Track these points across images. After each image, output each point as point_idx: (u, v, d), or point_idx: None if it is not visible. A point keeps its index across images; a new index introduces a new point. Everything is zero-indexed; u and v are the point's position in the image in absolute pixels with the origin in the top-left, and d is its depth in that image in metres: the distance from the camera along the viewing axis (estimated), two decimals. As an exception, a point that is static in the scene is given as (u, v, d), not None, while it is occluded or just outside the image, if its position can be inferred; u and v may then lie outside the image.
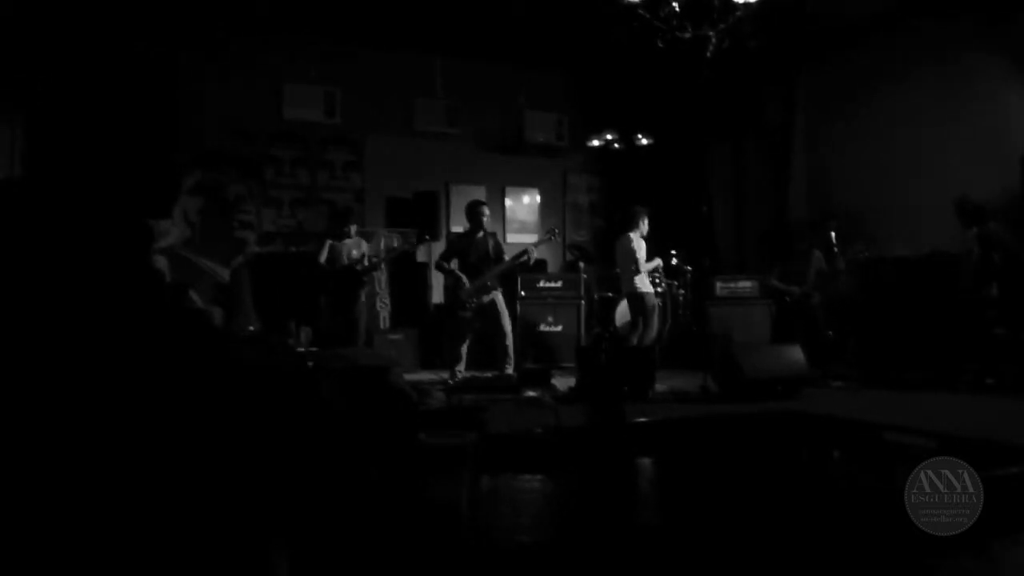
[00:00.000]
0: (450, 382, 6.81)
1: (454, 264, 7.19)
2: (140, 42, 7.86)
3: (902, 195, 8.21)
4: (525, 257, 7.28)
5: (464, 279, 7.08)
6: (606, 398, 5.32)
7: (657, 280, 8.72)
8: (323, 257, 7.61)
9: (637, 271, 7.59)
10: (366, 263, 7.71)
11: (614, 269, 8.12)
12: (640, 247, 7.63)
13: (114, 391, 1.45)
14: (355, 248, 7.71)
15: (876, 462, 4.41)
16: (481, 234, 7.26)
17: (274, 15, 8.28)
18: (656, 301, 7.89)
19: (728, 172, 10.18)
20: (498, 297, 7.21)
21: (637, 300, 7.74)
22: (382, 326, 8.83)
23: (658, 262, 7.85)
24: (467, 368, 7.26)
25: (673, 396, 6.41)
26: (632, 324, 7.86)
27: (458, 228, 9.68)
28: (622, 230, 7.87)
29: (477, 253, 7.18)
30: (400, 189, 9.50)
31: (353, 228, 7.83)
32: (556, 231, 8.40)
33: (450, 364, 7.23)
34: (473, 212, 7.32)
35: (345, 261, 7.60)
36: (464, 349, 7.19)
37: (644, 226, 7.72)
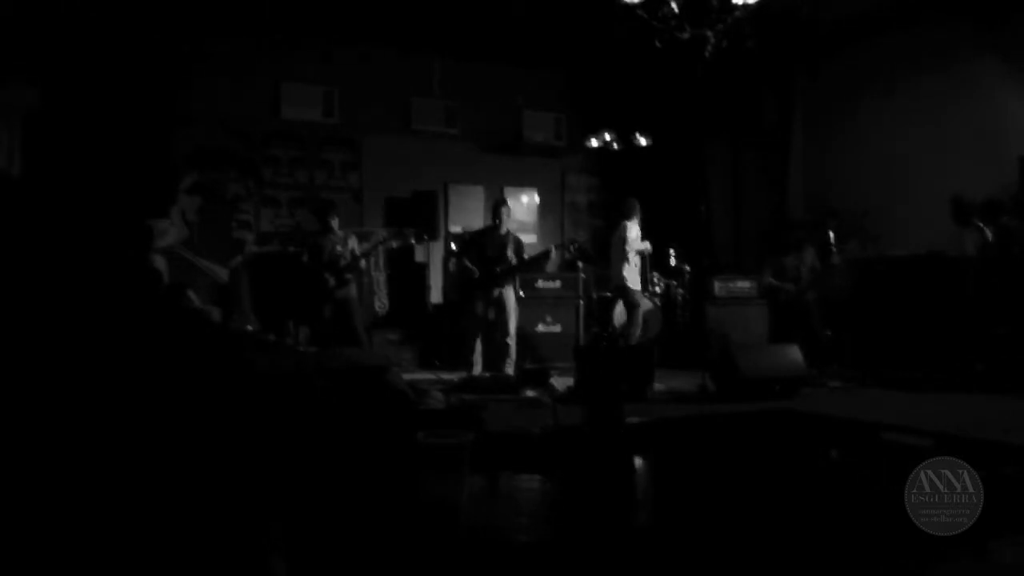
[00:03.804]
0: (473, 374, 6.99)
1: (469, 258, 7.39)
2: (138, 42, 7.86)
3: (900, 195, 8.22)
4: (547, 259, 7.62)
5: (475, 270, 7.22)
6: (604, 398, 5.31)
7: (656, 280, 8.75)
8: (305, 257, 7.46)
9: (626, 258, 7.68)
10: (348, 259, 7.53)
11: (608, 265, 8.17)
12: (634, 231, 7.71)
13: (109, 389, 1.44)
14: (340, 245, 7.54)
15: (874, 462, 4.41)
16: (505, 231, 7.37)
17: (272, 14, 8.27)
18: (642, 300, 7.93)
19: (726, 172, 10.18)
20: (508, 293, 7.30)
21: (621, 293, 7.87)
22: (380, 326, 8.81)
23: (647, 245, 7.87)
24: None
25: (671, 396, 6.41)
26: (627, 320, 7.95)
27: (457, 227, 9.75)
28: (618, 220, 7.98)
29: (495, 248, 7.28)
30: (398, 189, 9.49)
31: (336, 223, 7.56)
32: (574, 243, 8.52)
33: (465, 359, 7.26)
34: (495, 210, 7.47)
35: (326, 258, 7.37)
36: (479, 345, 7.27)
37: (638, 216, 7.82)
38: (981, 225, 6.78)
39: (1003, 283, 6.71)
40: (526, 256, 7.41)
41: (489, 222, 7.65)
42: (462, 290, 7.45)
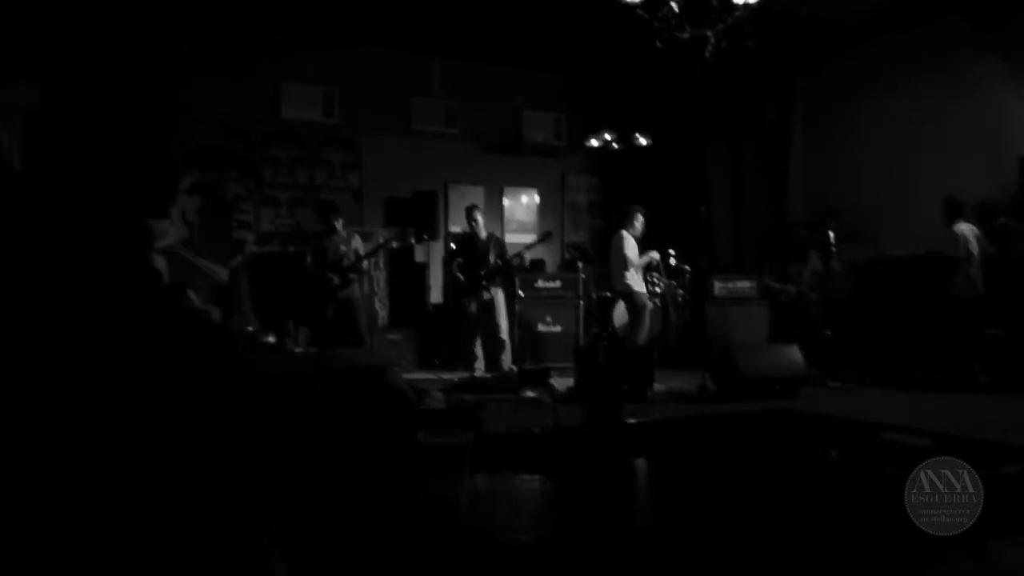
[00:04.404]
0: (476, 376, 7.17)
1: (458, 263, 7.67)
2: (138, 42, 7.85)
3: (900, 195, 8.22)
4: (518, 260, 7.81)
5: (460, 277, 7.49)
6: (604, 398, 5.31)
7: (656, 280, 8.73)
8: (309, 258, 7.53)
9: (626, 268, 7.66)
10: (352, 259, 7.58)
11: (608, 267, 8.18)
12: (630, 245, 7.68)
13: (110, 389, 1.44)
14: (344, 244, 7.58)
15: (874, 462, 4.41)
16: (485, 235, 7.66)
17: (272, 14, 8.26)
18: (648, 301, 7.92)
19: (726, 172, 10.18)
20: (497, 295, 7.54)
21: (627, 298, 7.85)
22: (380, 326, 8.82)
23: (651, 256, 7.85)
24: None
25: (671, 396, 6.42)
26: (630, 323, 7.92)
27: (456, 228, 9.75)
28: (617, 228, 7.95)
29: (480, 253, 7.55)
30: (398, 189, 9.49)
31: (339, 223, 7.67)
32: (551, 233, 8.63)
33: (467, 362, 7.40)
34: (467, 217, 7.83)
35: (330, 258, 7.45)
36: (479, 347, 7.48)
37: (638, 224, 7.79)
38: (962, 231, 6.78)
39: (1001, 284, 6.72)
40: (508, 255, 7.66)
41: (468, 229, 7.91)
42: (455, 295, 7.72)
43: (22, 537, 1.28)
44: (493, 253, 7.53)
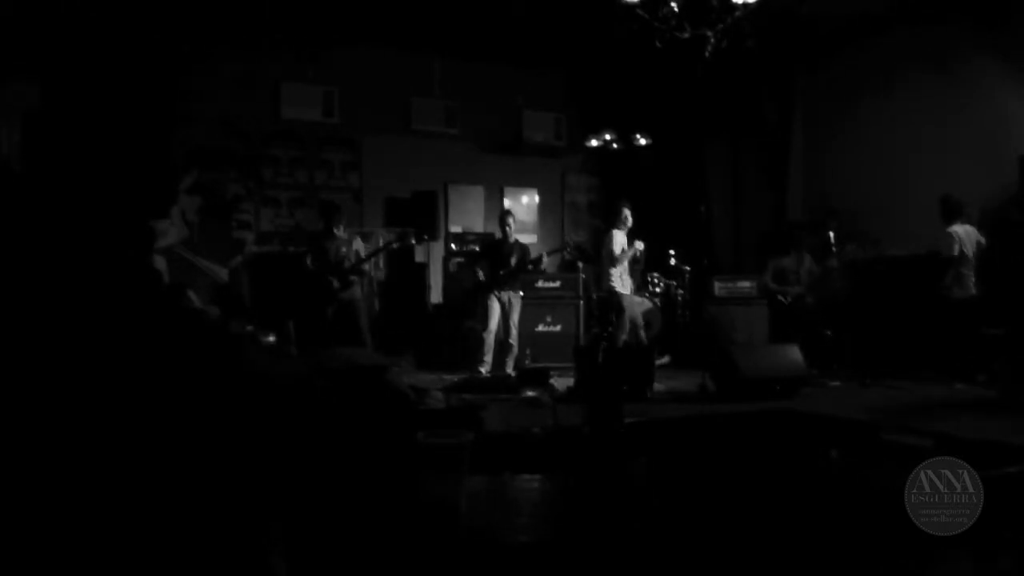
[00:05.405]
0: (481, 369, 7.38)
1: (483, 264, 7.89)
2: (138, 42, 7.85)
3: (900, 195, 8.22)
4: (540, 265, 7.99)
5: (481, 274, 7.68)
6: (604, 398, 5.31)
7: (656, 280, 8.74)
8: (309, 259, 7.53)
9: (612, 265, 7.76)
10: (353, 261, 7.57)
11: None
12: (616, 242, 7.78)
13: (111, 389, 1.44)
14: (345, 246, 7.58)
15: (874, 462, 4.42)
16: (513, 240, 7.81)
17: (272, 14, 8.27)
18: (643, 303, 7.95)
19: (726, 172, 10.18)
20: (515, 299, 7.70)
21: (611, 297, 7.92)
22: (380, 326, 8.80)
23: (636, 247, 7.88)
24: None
25: (671, 396, 6.42)
26: (611, 321, 8.00)
27: (457, 228, 9.79)
28: (608, 228, 8.11)
29: (504, 257, 7.71)
30: (398, 189, 9.49)
31: (341, 226, 7.65)
32: (568, 247, 8.82)
33: (474, 359, 7.53)
34: (501, 221, 7.98)
35: (331, 260, 7.46)
36: (491, 338, 7.55)
37: (628, 221, 7.86)
38: (956, 232, 6.79)
39: (1004, 285, 6.71)
40: (528, 261, 7.77)
41: (499, 233, 8.04)
42: (474, 295, 7.79)
43: (24, 536, 1.28)
44: (515, 257, 7.67)
